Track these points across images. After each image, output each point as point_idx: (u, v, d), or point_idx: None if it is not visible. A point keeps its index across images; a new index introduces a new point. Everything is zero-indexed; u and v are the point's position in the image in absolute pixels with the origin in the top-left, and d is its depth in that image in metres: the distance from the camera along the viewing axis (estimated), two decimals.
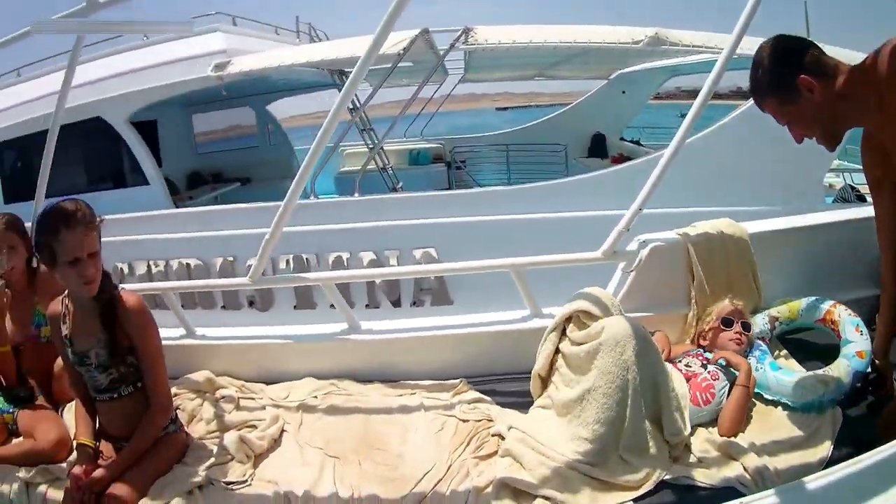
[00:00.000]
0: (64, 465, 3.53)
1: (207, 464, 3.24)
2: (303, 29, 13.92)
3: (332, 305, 6.47)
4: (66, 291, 3.38)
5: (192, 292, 4.61)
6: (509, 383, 3.75)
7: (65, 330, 3.33)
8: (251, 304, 8.05)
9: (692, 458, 2.93)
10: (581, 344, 3.18)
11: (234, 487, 3.14)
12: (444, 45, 9.02)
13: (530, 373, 3.49)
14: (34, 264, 4.35)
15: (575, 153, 13.11)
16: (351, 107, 10.38)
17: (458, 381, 3.78)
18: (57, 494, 3.33)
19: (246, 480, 3.17)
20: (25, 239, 4.26)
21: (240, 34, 11.64)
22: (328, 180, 14.19)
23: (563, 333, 3.39)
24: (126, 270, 8.28)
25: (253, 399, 3.97)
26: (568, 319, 3.41)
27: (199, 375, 4.11)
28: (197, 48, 10.44)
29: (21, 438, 3.95)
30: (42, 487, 3.44)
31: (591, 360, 3.03)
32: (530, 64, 12.08)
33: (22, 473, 3.52)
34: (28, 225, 4.44)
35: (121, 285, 3.33)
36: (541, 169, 12.84)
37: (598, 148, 13.31)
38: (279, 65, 9.12)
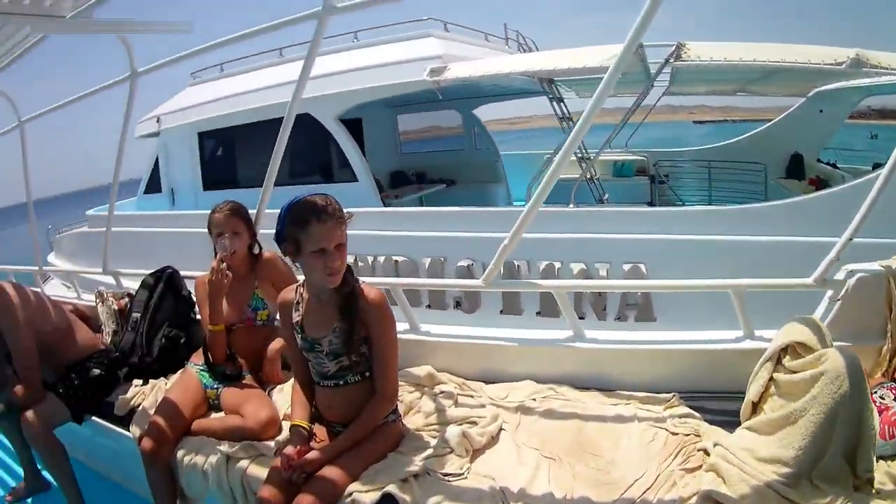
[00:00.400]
0: (271, 443, 3.69)
1: (425, 454, 3.30)
2: (510, 36, 13.99)
3: (538, 312, 6.54)
4: (302, 280, 3.53)
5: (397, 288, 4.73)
6: (718, 401, 3.69)
7: (296, 317, 3.45)
8: (457, 305, 8.18)
9: (871, 490, 2.85)
10: (797, 372, 3.13)
11: (450, 479, 3.18)
12: (652, 58, 8.98)
13: (739, 392, 3.43)
14: (255, 250, 4.60)
15: (773, 173, 12.72)
16: (561, 116, 10.41)
17: (670, 395, 3.75)
18: (259, 471, 3.47)
19: (463, 473, 3.22)
20: (249, 225, 4.53)
21: (452, 40, 11.79)
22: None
23: (778, 362, 3.35)
24: None
25: (472, 397, 4.03)
26: (783, 348, 3.37)
27: (421, 370, 4.21)
28: (411, 52, 10.72)
29: (222, 413, 4.18)
30: (243, 462, 3.60)
31: (807, 388, 2.94)
32: (733, 80, 11.81)
33: (224, 447, 3.71)
34: (252, 212, 4.68)
35: (361, 278, 3.43)
36: (740, 188, 12.50)
37: (795, 168, 12.80)
38: (497, 72, 9.19)
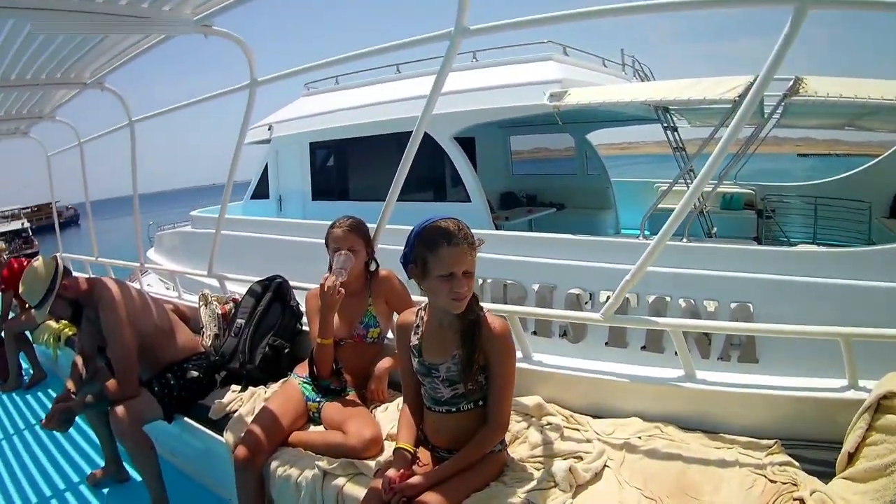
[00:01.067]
0: (371, 463, 3.62)
1: (529, 486, 3.21)
2: (626, 62, 13.88)
3: (643, 346, 6.44)
4: (424, 304, 3.45)
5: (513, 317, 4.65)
6: (817, 451, 3.57)
7: (415, 340, 3.38)
8: (563, 333, 8.05)
9: None
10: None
11: None
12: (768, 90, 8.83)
13: (838, 442, 3.32)
14: (372, 268, 4.55)
15: (877, 211, 12.52)
16: (675, 145, 10.29)
17: (773, 441, 3.62)
18: (356, 490, 3.42)
19: None
20: (368, 242, 4.48)
21: (571, 64, 11.77)
22: (638, 215, 14.12)
23: (877, 411, 3.22)
24: None
25: (578, 430, 3.93)
26: (883, 397, 3.25)
27: (530, 400, 4.11)
28: (531, 75, 10.74)
29: (321, 427, 4.14)
30: (340, 480, 3.54)
31: None
32: (843, 114, 11.51)
33: (322, 463, 3.65)
34: (371, 227, 4.65)
35: (485, 306, 3.36)
36: (845, 226, 12.33)
37: None
38: (618, 100, 9.14)
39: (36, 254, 49.80)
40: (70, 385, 5.29)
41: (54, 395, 7.36)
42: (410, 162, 4.81)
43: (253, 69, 5.74)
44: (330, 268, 4.27)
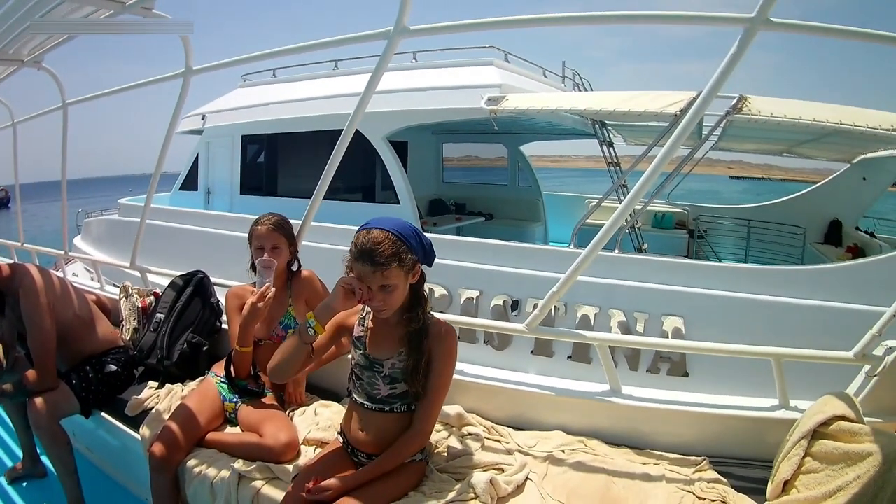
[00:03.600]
0: (289, 467, 3.57)
1: (448, 498, 3.18)
2: (567, 75, 13.93)
3: (569, 356, 6.44)
4: None
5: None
6: (746, 468, 3.62)
7: (359, 331, 3.35)
8: (486, 341, 7.99)
9: None
10: (835, 452, 3.00)
11: None
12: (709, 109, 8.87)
13: (767, 460, 3.40)
14: (294, 267, 4.51)
15: (811, 237, 12.76)
16: (610, 160, 10.35)
17: (701, 458, 3.67)
18: (273, 493, 3.38)
19: None
20: (291, 241, 4.42)
21: (511, 71, 11.77)
22: (570, 229, 14.20)
23: (812, 437, 3.21)
24: None
25: (500, 442, 3.92)
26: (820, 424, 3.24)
27: (451, 409, 4.10)
28: (470, 78, 10.68)
29: (238, 429, 4.07)
30: (257, 483, 3.49)
31: (848, 468, 2.85)
32: (783, 139, 11.70)
33: (239, 465, 3.60)
34: (296, 223, 4.58)
35: (431, 311, 3.33)
36: (777, 249, 12.63)
37: (833, 234, 12.90)
38: (557, 108, 9.10)
39: None
40: None
41: None
42: (339, 159, 4.75)
43: (189, 57, 5.61)
44: (252, 265, 4.26)
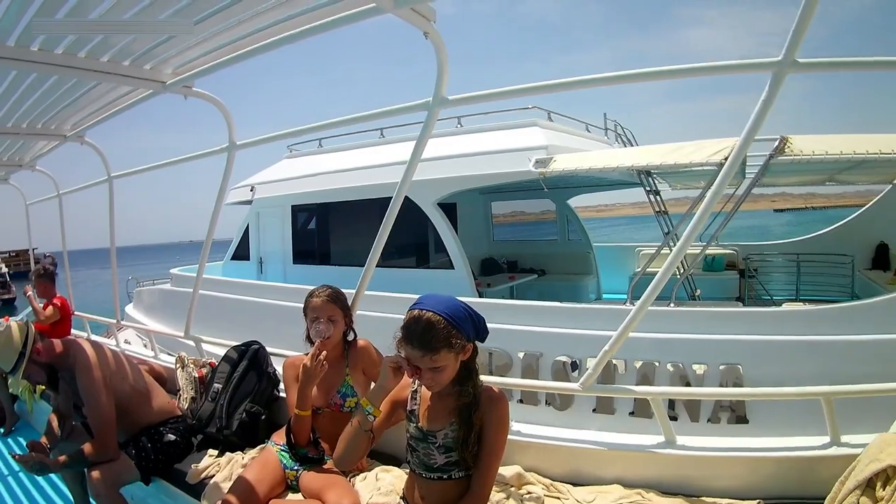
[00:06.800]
0: None
1: None
2: (609, 126, 14.00)
3: (631, 412, 6.39)
4: None
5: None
6: None
7: (412, 405, 3.36)
8: (548, 402, 7.94)
9: None
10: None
11: None
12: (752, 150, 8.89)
13: (821, 497, 3.28)
14: (350, 337, 4.52)
15: (860, 263, 12.61)
16: (657, 209, 10.34)
17: (755, 501, 3.64)
18: None
19: None
20: (346, 313, 4.45)
21: (555, 129, 11.88)
22: (622, 280, 14.09)
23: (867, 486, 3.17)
24: None
25: (559, 499, 3.90)
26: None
27: (509, 470, 4.08)
28: (517, 141, 10.83)
29: (300, 496, 4.07)
30: None
31: None
32: (824, 170, 11.64)
33: None
34: (349, 292, 4.61)
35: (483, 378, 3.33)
36: (828, 280, 12.43)
37: (881, 258, 12.93)
38: (605, 166, 9.20)
39: (13, 300, 49.53)
40: (44, 440, 5.22)
41: (24, 441, 7.36)
42: (390, 228, 4.81)
43: (232, 132, 5.76)
44: (307, 336, 4.29)
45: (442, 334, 2.96)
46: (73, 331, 8.93)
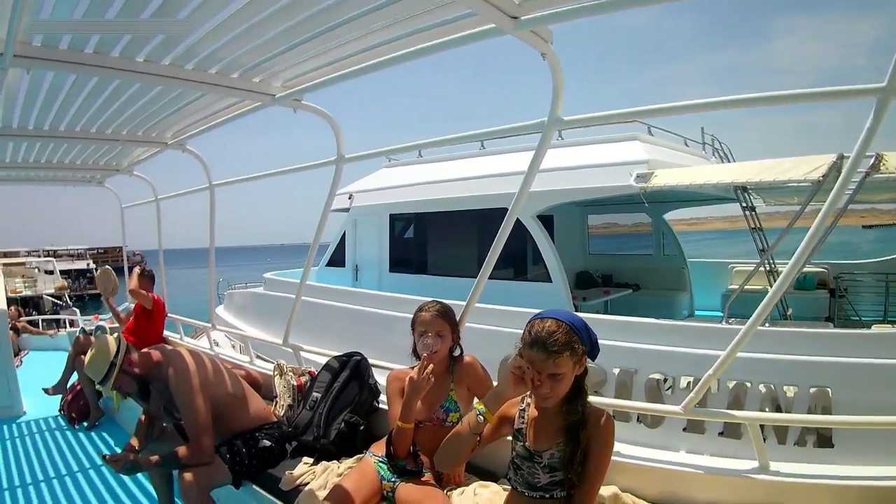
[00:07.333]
0: None
1: None
2: (706, 140, 14.03)
3: (720, 433, 6.35)
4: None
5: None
6: None
7: (519, 423, 3.39)
8: (639, 420, 7.94)
9: None
10: None
11: None
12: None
13: None
14: (456, 353, 4.53)
15: None
16: (753, 226, 10.25)
17: None
18: None
19: None
20: (454, 329, 4.45)
21: (655, 144, 11.88)
22: (714, 296, 13.98)
23: None
24: None
25: None
26: None
27: (606, 490, 4.06)
28: (617, 155, 10.88)
29: None
30: None
31: None
32: None
33: None
34: (451, 302, 4.64)
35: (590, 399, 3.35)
36: None
37: None
38: (703, 182, 9.23)
39: (99, 295, 51.47)
40: (134, 441, 5.32)
41: (107, 436, 7.74)
42: (503, 242, 4.88)
43: (340, 145, 5.86)
44: (413, 350, 4.33)
45: (565, 339, 3.02)
46: (164, 332, 9.13)
